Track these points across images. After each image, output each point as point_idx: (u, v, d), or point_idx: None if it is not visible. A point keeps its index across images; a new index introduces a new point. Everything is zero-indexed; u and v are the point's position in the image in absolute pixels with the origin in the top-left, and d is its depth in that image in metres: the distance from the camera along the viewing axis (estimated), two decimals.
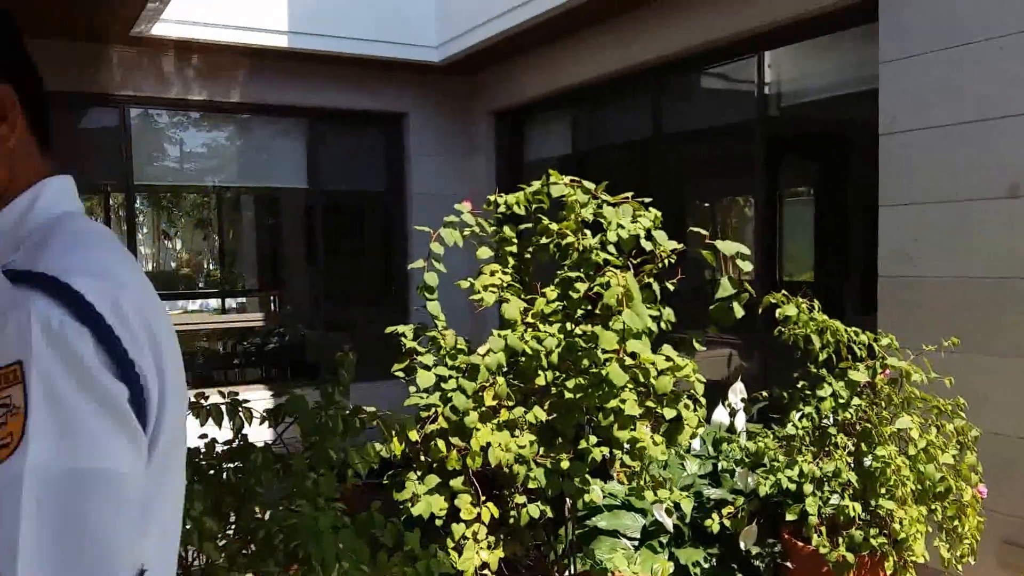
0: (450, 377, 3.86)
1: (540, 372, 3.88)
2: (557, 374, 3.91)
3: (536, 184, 4.14)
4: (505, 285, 4.07)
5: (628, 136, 8.17)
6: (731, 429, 5.29)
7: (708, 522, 4.46)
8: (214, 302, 15.53)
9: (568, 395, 3.73)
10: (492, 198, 4.36)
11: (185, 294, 19.78)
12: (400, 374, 4.19)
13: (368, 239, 13.30)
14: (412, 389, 4.05)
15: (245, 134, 9.71)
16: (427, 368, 3.92)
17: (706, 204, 8.33)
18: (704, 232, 3.80)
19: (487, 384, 3.76)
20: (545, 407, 3.97)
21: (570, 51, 7.96)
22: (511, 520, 4.06)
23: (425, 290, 4.14)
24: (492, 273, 4.13)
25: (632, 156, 8.14)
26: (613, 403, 3.58)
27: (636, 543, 5.09)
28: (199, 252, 25.92)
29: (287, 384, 9.61)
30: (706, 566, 4.95)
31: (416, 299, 10.06)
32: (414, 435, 3.86)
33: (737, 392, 5.28)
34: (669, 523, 4.37)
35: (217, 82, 8.80)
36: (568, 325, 3.90)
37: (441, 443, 3.86)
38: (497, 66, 9.29)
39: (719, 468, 5.01)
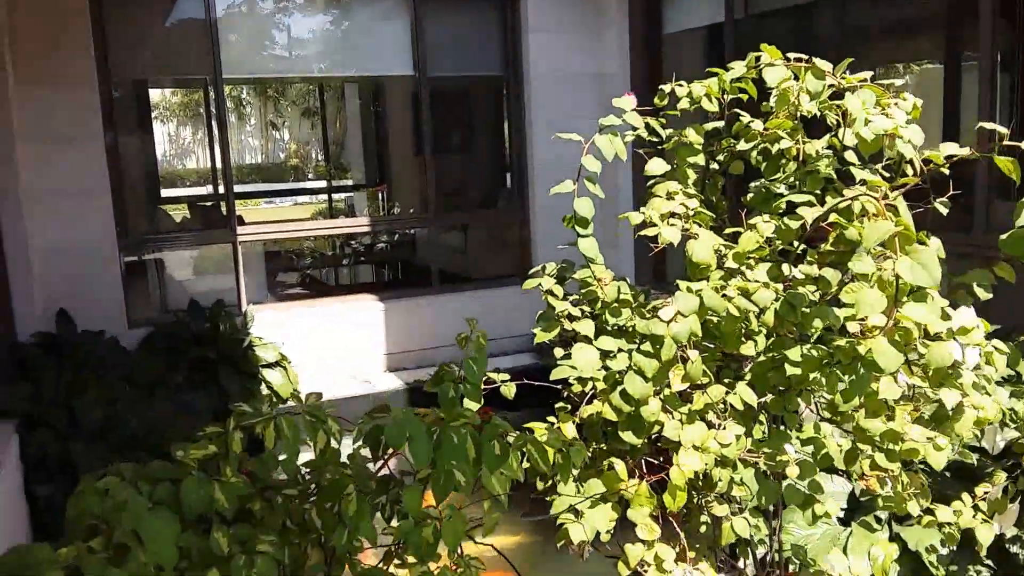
0: (619, 352, 2.73)
1: (745, 339, 2.72)
2: (769, 340, 2.75)
3: (737, 66, 2.89)
4: (692, 213, 2.88)
5: None
6: None
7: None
8: (322, 197, 14.65)
9: (791, 370, 2.57)
10: (667, 88, 3.13)
11: (295, 190, 19.08)
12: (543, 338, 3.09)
13: (481, 129, 12.10)
14: (563, 359, 2.95)
15: (344, 18, 8.52)
16: (588, 341, 2.80)
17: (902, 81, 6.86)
18: (1002, 129, 2.53)
19: (674, 360, 2.62)
20: (745, 380, 2.83)
21: None
22: (701, 529, 2.98)
23: (577, 223, 2.98)
24: (669, 196, 2.94)
25: (800, 24, 6.70)
26: (865, 385, 2.42)
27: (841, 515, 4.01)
28: (307, 142, 25.30)
29: (397, 292, 8.63)
30: (943, 551, 3.80)
31: (540, 196, 9.08)
32: (568, 430, 2.79)
33: None
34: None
35: None
36: (786, 268, 2.71)
37: (601, 444, 2.81)
38: None
39: None
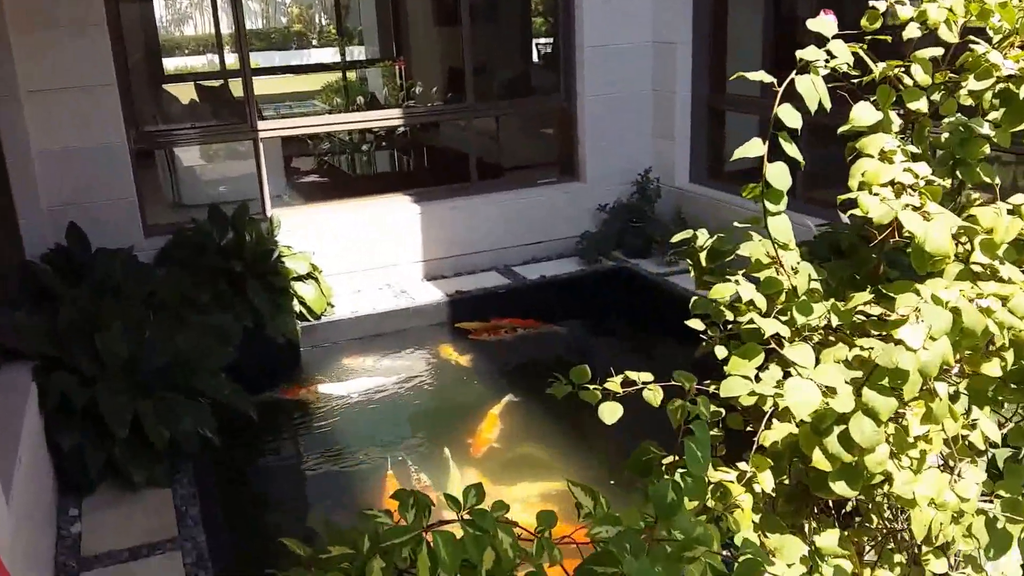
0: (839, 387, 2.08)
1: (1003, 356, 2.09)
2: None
3: None
4: (923, 183, 2.19)
5: None
6: None
7: None
8: (333, 76, 13.63)
9: None
10: (881, 5, 2.39)
11: (307, 66, 17.82)
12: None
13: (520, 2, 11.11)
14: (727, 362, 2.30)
15: None
16: (775, 343, 2.12)
17: None
18: None
19: (915, 398, 2.00)
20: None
21: None
22: None
23: (768, 197, 2.26)
24: (885, 156, 2.24)
25: None
26: None
27: None
28: (309, 5, 23.88)
29: (432, 191, 7.92)
30: None
31: (588, 83, 8.23)
32: (766, 482, 2.17)
33: None
34: None
35: None
36: None
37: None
38: None
39: None
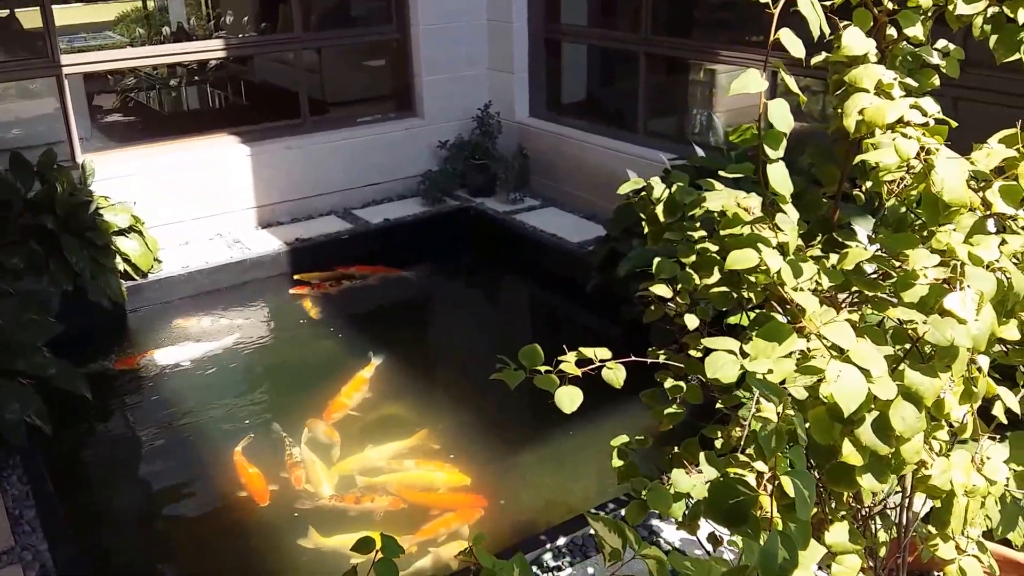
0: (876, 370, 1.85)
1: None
2: None
3: None
4: (931, 122, 1.96)
5: None
6: None
7: None
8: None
9: None
10: None
11: None
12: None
13: None
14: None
15: None
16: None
17: None
18: None
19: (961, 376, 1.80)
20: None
21: None
22: None
23: (769, 140, 1.95)
24: (881, 90, 1.99)
25: None
26: None
27: None
28: None
29: (262, 130, 7.31)
30: None
31: (422, 8, 7.66)
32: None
33: None
34: None
35: None
36: None
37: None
38: None
39: None
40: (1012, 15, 1.99)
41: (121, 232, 5.96)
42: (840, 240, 2.35)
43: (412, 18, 7.50)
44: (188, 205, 6.67)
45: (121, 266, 5.91)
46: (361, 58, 8.92)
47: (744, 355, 1.89)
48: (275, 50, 8.00)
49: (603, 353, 2.20)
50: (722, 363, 1.88)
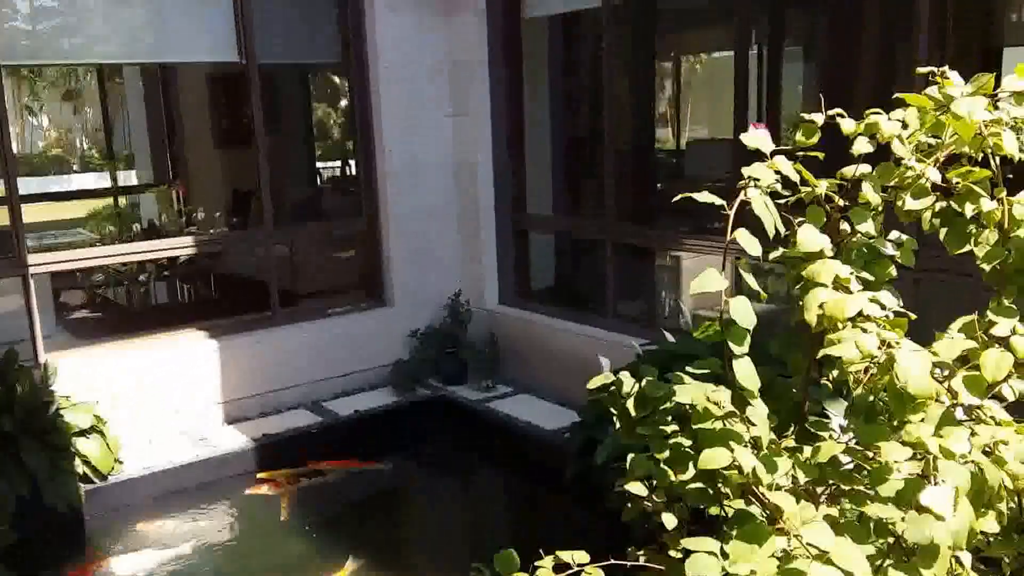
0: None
1: None
2: None
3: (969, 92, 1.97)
4: (891, 316, 1.92)
5: None
6: None
7: None
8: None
9: None
10: (819, 118, 2.16)
11: (77, 192, 16.34)
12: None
13: (318, 122, 10.69)
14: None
15: None
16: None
17: None
18: None
19: None
20: None
21: None
22: None
23: (731, 338, 1.93)
24: (839, 285, 1.96)
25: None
26: None
27: None
28: (69, 129, 22.52)
29: (230, 324, 7.27)
30: None
31: (393, 204, 7.86)
32: None
33: None
34: None
35: None
36: None
37: None
38: None
39: None
40: (960, 209, 2.00)
41: (82, 433, 5.80)
42: (812, 432, 2.28)
43: (382, 211, 7.63)
44: (153, 402, 6.53)
45: (81, 468, 5.71)
46: (332, 249, 9.03)
47: (725, 555, 1.81)
48: (246, 245, 8.06)
49: (580, 557, 2.10)
50: (703, 564, 1.79)
